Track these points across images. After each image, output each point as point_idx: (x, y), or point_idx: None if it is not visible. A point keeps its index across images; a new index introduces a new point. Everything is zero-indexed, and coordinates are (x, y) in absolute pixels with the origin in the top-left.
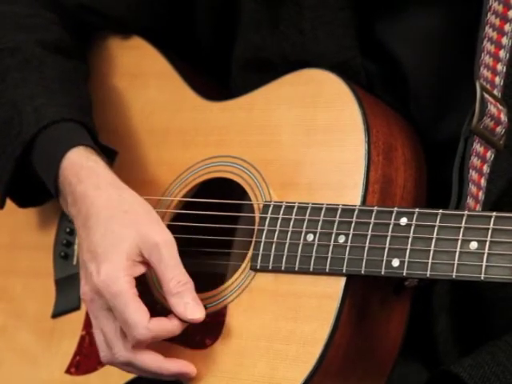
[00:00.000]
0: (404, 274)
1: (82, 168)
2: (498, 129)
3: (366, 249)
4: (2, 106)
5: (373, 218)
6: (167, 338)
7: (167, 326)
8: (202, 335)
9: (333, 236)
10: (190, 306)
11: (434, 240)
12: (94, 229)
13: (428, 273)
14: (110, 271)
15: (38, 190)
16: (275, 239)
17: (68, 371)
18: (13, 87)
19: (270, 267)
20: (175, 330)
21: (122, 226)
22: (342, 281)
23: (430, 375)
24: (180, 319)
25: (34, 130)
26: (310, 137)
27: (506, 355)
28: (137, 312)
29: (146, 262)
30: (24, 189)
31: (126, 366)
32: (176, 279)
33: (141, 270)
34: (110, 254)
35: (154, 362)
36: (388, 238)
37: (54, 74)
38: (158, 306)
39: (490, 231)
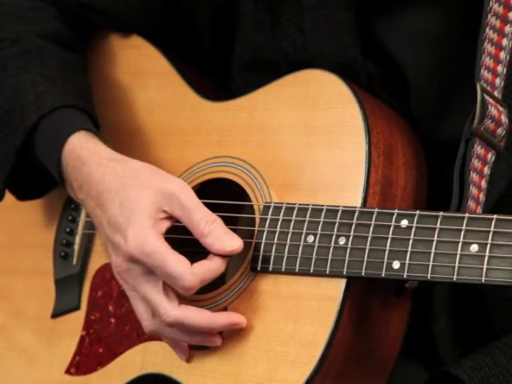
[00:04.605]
0: (404, 277)
1: (82, 150)
2: (499, 130)
3: (367, 251)
4: (3, 94)
5: (373, 219)
6: (214, 278)
7: (211, 266)
8: None
9: (333, 238)
10: (225, 239)
11: (434, 242)
12: (109, 203)
13: (428, 275)
14: (136, 234)
15: (38, 180)
16: (275, 240)
17: (68, 371)
18: (14, 76)
19: (270, 269)
20: (219, 267)
21: (136, 190)
22: (343, 283)
23: (430, 376)
24: (220, 256)
25: (35, 117)
26: (310, 138)
27: (505, 356)
28: (177, 262)
29: (169, 217)
30: (25, 180)
31: (175, 326)
32: (203, 220)
33: (166, 224)
34: (132, 218)
35: (203, 316)
36: (388, 240)
37: (54, 63)
38: None
39: (490, 234)
